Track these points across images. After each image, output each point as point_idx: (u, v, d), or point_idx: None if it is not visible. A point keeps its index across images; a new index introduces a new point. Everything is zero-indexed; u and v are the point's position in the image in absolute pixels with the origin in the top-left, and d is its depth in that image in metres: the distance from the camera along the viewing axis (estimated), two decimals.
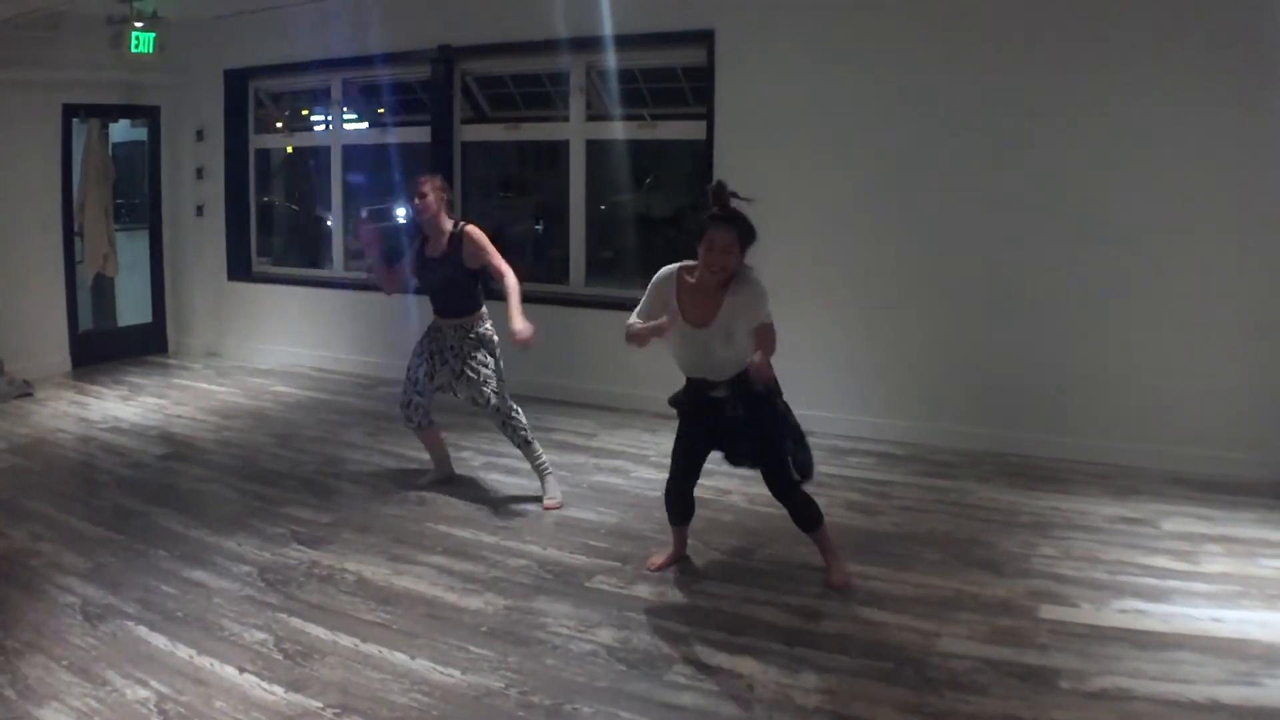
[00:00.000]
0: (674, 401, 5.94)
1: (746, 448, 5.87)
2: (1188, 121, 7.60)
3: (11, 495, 7.43)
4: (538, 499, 7.33)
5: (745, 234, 5.47)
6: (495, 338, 7.31)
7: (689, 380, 5.85)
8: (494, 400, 7.19)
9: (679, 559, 6.23)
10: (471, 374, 7.23)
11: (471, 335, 7.26)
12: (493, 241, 7.29)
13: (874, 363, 8.79)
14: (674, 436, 6.03)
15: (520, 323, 6.96)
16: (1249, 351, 7.60)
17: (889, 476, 7.82)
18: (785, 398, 5.85)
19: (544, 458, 7.42)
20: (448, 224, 7.27)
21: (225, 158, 12.49)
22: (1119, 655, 4.93)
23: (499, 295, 7.12)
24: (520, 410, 7.33)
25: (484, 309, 7.35)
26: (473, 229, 7.26)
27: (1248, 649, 4.98)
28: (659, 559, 6.18)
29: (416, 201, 7.22)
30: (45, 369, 11.24)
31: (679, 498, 6.10)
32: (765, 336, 5.43)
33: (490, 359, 7.27)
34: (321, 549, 6.41)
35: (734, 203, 5.49)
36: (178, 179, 12.67)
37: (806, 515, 5.93)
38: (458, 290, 7.28)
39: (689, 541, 6.28)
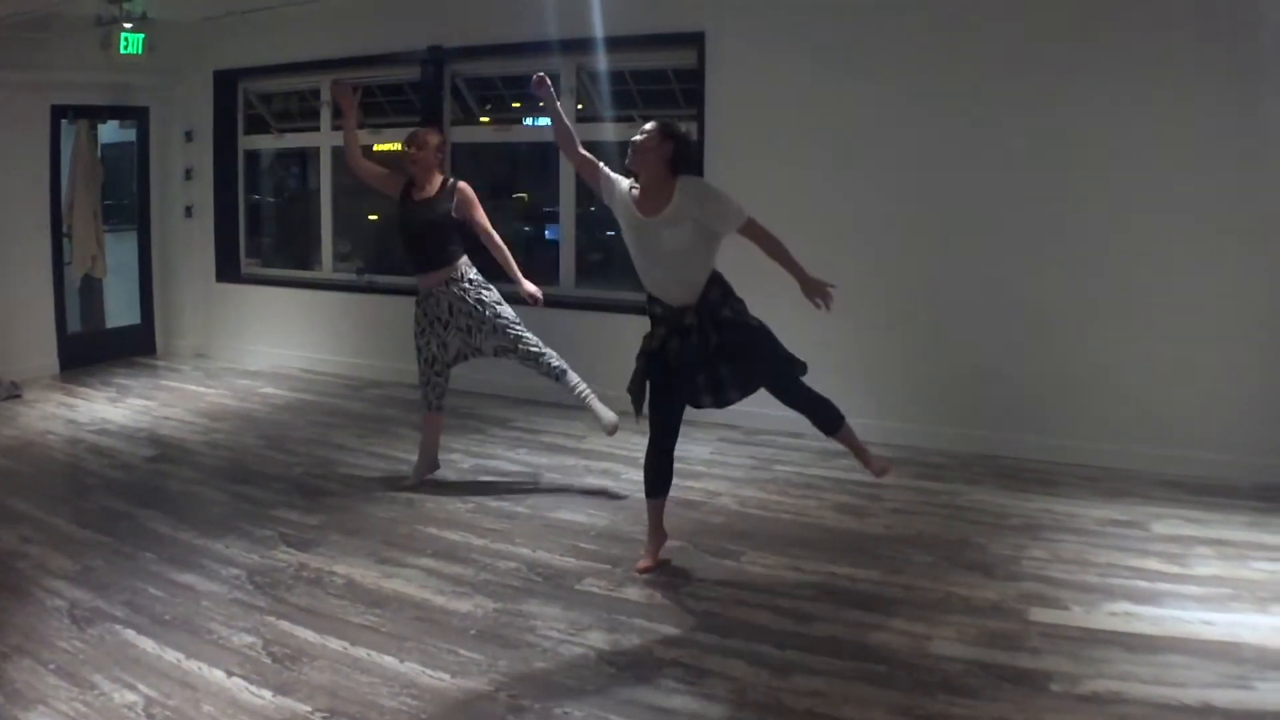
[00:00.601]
0: (640, 353, 6.07)
1: (736, 373, 5.95)
2: (1181, 124, 7.61)
3: None
4: (527, 500, 7.34)
5: (674, 136, 5.81)
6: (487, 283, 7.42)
7: (653, 314, 5.97)
8: (521, 345, 7.35)
9: (660, 549, 6.22)
10: (482, 321, 7.32)
11: (465, 283, 7.32)
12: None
13: (864, 364, 8.77)
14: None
15: (529, 283, 7.21)
16: (1240, 354, 7.60)
17: (879, 479, 7.79)
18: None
19: (582, 385, 7.54)
20: (438, 177, 7.38)
21: (214, 159, 12.45)
22: (1110, 658, 4.92)
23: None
24: (541, 343, 7.42)
25: (465, 258, 7.40)
26: (465, 185, 7.36)
27: (1239, 652, 4.97)
28: (646, 561, 6.15)
29: (413, 150, 7.28)
30: (33, 371, 11.20)
31: (661, 460, 6.11)
32: (768, 240, 5.86)
33: (499, 299, 7.37)
34: (310, 551, 6.39)
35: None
36: (166, 180, 12.63)
37: (827, 416, 6.10)
38: (440, 237, 7.31)
39: (678, 543, 6.27)
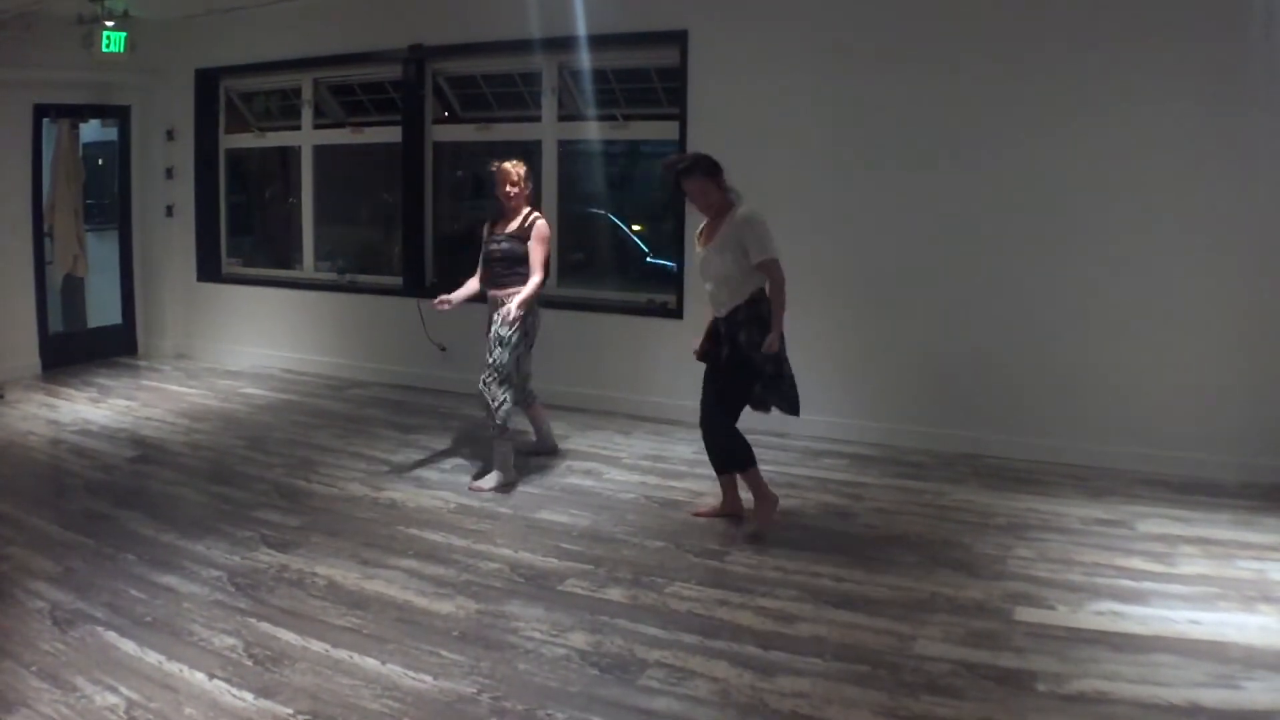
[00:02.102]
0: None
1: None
2: (1164, 124, 7.63)
3: None
4: (509, 500, 7.35)
5: (706, 170, 6.52)
6: (532, 326, 7.61)
7: (711, 321, 6.75)
8: (488, 386, 7.50)
9: (723, 510, 6.91)
10: (487, 350, 7.50)
11: (503, 308, 7.49)
12: (476, 243, 7.74)
13: (847, 364, 8.77)
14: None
15: (515, 309, 7.38)
16: (1225, 353, 7.63)
17: (863, 478, 7.82)
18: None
19: (506, 458, 7.63)
20: (525, 209, 7.69)
21: (195, 158, 12.41)
22: (1096, 658, 4.92)
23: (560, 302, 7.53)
24: (509, 407, 7.52)
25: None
26: (543, 221, 7.68)
27: (1226, 651, 4.97)
28: (704, 509, 6.95)
29: (510, 189, 7.61)
30: (14, 371, 11.16)
31: (705, 441, 6.84)
32: (774, 286, 6.45)
33: (512, 344, 7.49)
34: (291, 553, 6.35)
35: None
36: (148, 179, 12.60)
37: (720, 458, 6.67)
38: (509, 263, 7.57)
39: (660, 544, 6.28)
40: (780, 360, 6.46)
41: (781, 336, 6.41)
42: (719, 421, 6.58)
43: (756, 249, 6.37)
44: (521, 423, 8.40)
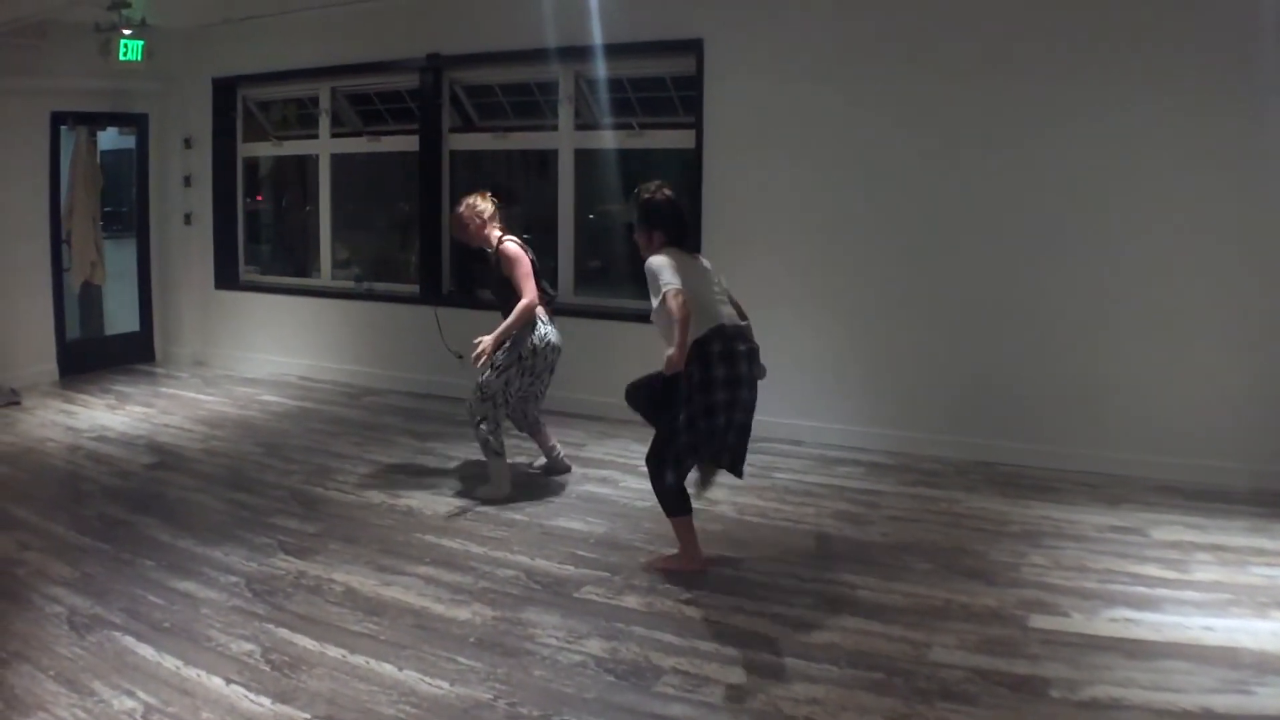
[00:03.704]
0: None
1: None
2: (1173, 130, 7.62)
3: None
4: (525, 508, 7.36)
5: (636, 219, 6.33)
6: (527, 348, 7.45)
7: None
8: (471, 400, 7.53)
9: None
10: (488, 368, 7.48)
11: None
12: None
13: (862, 372, 8.78)
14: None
15: (488, 339, 7.33)
16: (1238, 360, 7.61)
17: (878, 486, 7.82)
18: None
19: (498, 473, 7.61)
20: (494, 237, 7.62)
21: (213, 166, 12.45)
22: (1110, 664, 4.92)
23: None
24: (493, 424, 7.52)
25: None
26: (506, 246, 7.52)
27: (1239, 658, 4.97)
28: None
29: (459, 234, 7.78)
30: (33, 377, 11.21)
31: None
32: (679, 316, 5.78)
33: (502, 365, 7.43)
34: (309, 559, 6.38)
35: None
36: (165, 187, 12.65)
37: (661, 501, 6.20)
38: (503, 294, 7.53)
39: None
40: (681, 400, 6.00)
41: (700, 391, 5.91)
42: (650, 456, 6.19)
43: (654, 293, 5.93)
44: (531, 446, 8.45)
